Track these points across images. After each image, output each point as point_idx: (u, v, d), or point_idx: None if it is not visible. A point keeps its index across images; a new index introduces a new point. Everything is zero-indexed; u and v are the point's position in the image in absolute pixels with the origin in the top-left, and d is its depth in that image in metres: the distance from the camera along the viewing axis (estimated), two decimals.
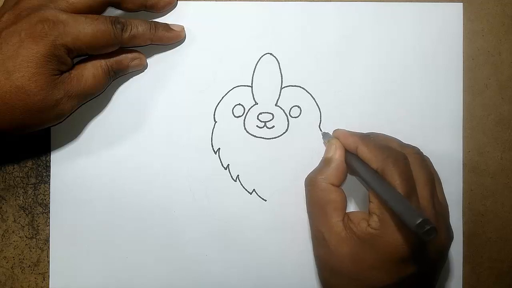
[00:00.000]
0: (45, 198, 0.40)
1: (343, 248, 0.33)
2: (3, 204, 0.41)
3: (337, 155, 0.36)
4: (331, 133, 0.39)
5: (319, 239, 0.35)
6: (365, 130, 0.40)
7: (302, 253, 0.40)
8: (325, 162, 0.36)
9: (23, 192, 0.41)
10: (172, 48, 0.40)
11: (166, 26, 0.39)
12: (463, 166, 0.41)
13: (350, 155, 0.35)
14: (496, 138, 0.41)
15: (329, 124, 0.40)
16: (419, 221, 0.28)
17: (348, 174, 0.36)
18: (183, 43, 0.40)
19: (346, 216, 0.34)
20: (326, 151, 0.37)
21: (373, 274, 0.32)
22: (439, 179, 0.37)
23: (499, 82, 0.41)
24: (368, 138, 0.35)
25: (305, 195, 0.37)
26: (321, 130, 0.40)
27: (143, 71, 0.40)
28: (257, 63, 0.40)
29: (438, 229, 0.32)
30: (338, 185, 0.35)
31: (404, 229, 0.31)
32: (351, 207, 0.40)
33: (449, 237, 0.35)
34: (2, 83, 0.32)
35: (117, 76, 0.39)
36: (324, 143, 0.39)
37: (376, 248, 0.32)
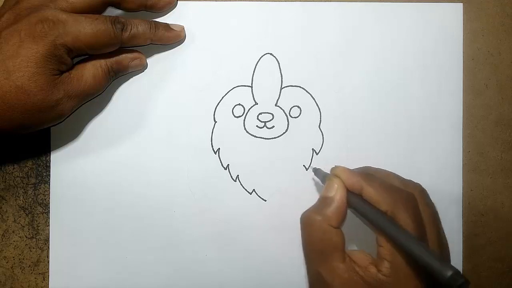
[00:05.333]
0: (45, 198, 0.40)
1: None
2: (3, 204, 0.41)
3: (339, 195, 0.33)
4: (320, 167, 0.37)
5: (319, 282, 0.33)
6: (365, 129, 0.40)
7: (301, 253, 0.40)
8: (325, 201, 0.34)
9: (23, 192, 0.41)
10: (172, 48, 0.40)
11: (166, 26, 0.39)
12: (463, 166, 0.41)
13: (353, 196, 0.33)
14: (496, 138, 0.41)
15: (329, 124, 0.40)
16: (450, 273, 0.27)
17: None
18: (183, 43, 0.40)
19: (348, 258, 0.33)
20: (326, 190, 0.34)
21: None
22: (438, 214, 0.36)
23: (499, 82, 0.41)
24: (373, 178, 0.34)
25: (300, 233, 0.35)
26: (320, 132, 0.40)
27: (143, 71, 0.40)
28: (257, 63, 0.40)
29: None
30: (338, 227, 0.33)
31: (418, 276, 0.30)
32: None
33: None
34: (2, 83, 0.32)
35: (117, 76, 0.39)
36: (321, 180, 0.37)
37: None
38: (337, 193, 0.33)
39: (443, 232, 0.35)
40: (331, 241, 0.33)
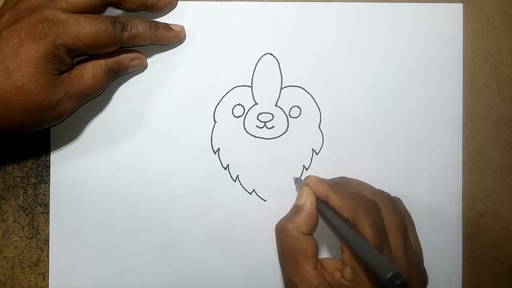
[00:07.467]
0: (45, 198, 0.41)
1: None
2: (3, 204, 0.41)
3: (308, 203, 0.35)
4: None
5: None
6: (365, 129, 0.40)
7: None
8: (296, 209, 0.35)
9: (23, 192, 0.41)
10: (172, 48, 0.40)
11: (166, 26, 0.39)
12: (463, 166, 0.41)
13: (321, 203, 0.34)
14: (496, 138, 0.41)
15: (329, 124, 0.40)
16: (390, 274, 0.28)
17: (320, 220, 0.35)
18: (183, 43, 0.40)
19: (319, 264, 0.34)
20: (298, 198, 0.36)
21: None
22: (412, 221, 0.36)
23: (499, 82, 0.41)
24: (339, 186, 0.35)
25: (275, 242, 0.36)
26: (320, 132, 0.40)
27: (143, 71, 0.40)
28: (257, 63, 0.40)
29: (411, 277, 0.32)
30: (309, 234, 0.34)
31: (378, 281, 0.31)
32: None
33: (423, 282, 0.35)
34: (2, 83, 0.32)
35: (117, 76, 0.39)
36: (297, 189, 0.39)
37: None
38: (306, 200, 0.35)
39: (415, 239, 0.36)
40: (302, 248, 0.34)
